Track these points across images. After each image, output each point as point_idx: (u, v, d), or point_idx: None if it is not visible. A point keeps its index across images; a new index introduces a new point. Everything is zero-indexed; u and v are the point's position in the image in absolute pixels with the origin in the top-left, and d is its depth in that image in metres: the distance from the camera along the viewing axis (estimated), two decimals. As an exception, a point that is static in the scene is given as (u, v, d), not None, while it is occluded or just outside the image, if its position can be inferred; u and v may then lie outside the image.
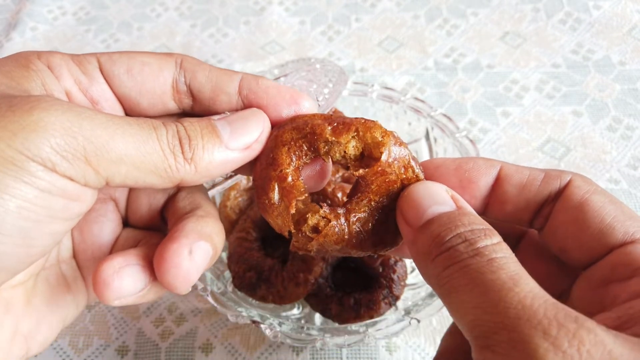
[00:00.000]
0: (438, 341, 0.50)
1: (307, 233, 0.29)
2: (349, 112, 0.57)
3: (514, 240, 0.33)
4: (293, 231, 0.29)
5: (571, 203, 0.27)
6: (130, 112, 0.31)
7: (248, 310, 0.43)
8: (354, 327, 0.45)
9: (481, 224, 0.25)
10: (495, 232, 0.25)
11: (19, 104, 0.23)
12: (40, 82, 0.27)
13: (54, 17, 0.89)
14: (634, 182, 0.61)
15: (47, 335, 0.31)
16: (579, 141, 0.65)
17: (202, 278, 0.44)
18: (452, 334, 0.31)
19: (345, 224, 0.29)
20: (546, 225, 0.29)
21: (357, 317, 0.46)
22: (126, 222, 0.34)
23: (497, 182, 0.29)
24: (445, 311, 0.46)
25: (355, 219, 0.29)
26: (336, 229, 0.29)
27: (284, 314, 0.48)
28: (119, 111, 0.31)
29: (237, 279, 0.48)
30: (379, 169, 0.29)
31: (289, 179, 0.29)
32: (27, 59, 0.28)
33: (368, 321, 0.45)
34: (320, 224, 0.29)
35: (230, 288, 0.48)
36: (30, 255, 0.25)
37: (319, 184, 0.32)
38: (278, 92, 0.31)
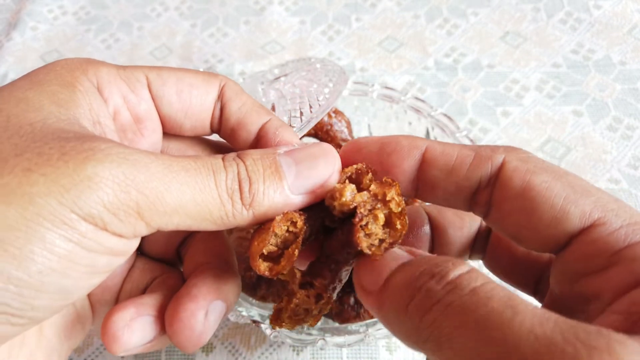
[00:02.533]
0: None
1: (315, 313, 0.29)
2: (349, 112, 0.57)
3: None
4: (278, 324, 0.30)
5: (513, 191, 0.24)
6: (170, 131, 0.31)
7: (248, 310, 0.43)
8: (354, 326, 0.45)
9: (445, 259, 0.23)
10: (463, 261, 0.22)
11: (71, 152, 0.21)
12: (88, 107, 0.26)
13: (54, 16, 0.89)
14: (634, 182, 0.61)
15: None
16: (579, 141, 0.65)
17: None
18: None
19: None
20: (490, 215, 0.26)
21: (357, 316, 0.46)
22: (140, 248, 0.33)
23: (423, 165, 0.27)
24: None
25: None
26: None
27: (284, 313, 0.48)
28: (159, 130, 0.31)
29: (238, 278, 0.48)
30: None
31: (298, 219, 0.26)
32: (72, 74, 0.26)
33: (368, 321, 0.45)
34: (325, 309, 0.29)
35: (230, 288, 0.48)
36: (62, 306, 0.24)
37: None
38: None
